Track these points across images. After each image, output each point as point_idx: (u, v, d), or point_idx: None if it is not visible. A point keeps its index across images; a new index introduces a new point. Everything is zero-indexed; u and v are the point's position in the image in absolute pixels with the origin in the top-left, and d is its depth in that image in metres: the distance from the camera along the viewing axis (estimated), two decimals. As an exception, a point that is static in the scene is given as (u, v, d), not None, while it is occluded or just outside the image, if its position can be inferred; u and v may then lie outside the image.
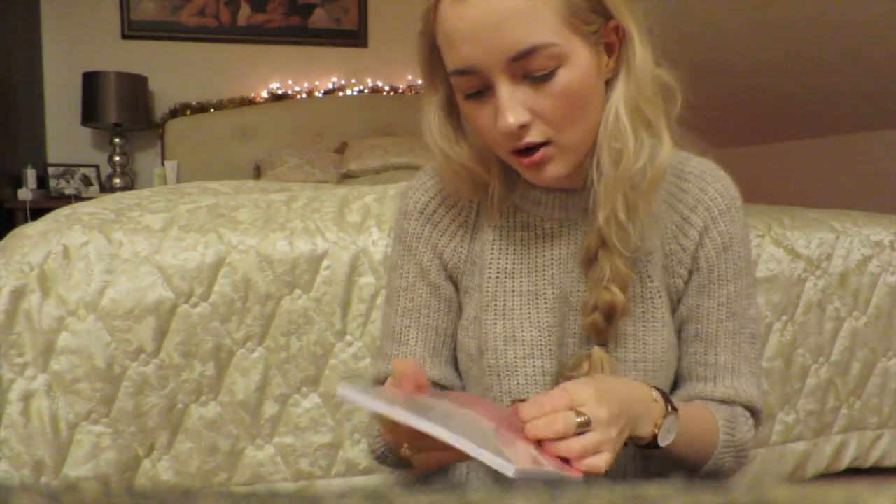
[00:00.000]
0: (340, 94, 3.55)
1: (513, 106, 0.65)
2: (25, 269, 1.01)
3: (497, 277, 0.78)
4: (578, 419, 0.56)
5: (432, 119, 0.74)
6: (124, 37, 3.39)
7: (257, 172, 3.22)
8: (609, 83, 0.70)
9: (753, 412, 0.78)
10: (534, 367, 0.77)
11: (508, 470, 0.48)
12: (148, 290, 1.04)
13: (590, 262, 0.74)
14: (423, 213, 0.82)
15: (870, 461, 1.49)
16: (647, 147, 0.69)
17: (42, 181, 3.14)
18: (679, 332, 0.80)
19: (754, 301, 0.79)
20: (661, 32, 0.70)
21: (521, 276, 0.78)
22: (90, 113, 3.16)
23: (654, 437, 0.65)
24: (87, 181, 3.23)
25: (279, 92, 3.50)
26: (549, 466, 0.53)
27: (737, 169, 0.81)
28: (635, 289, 0.76)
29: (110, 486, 0.19)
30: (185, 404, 1.07)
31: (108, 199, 1.19)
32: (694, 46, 2.62)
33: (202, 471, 1.08)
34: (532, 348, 0.77)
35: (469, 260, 0.81)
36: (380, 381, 0.82)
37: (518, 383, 0.77)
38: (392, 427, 0.58)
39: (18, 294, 1.01)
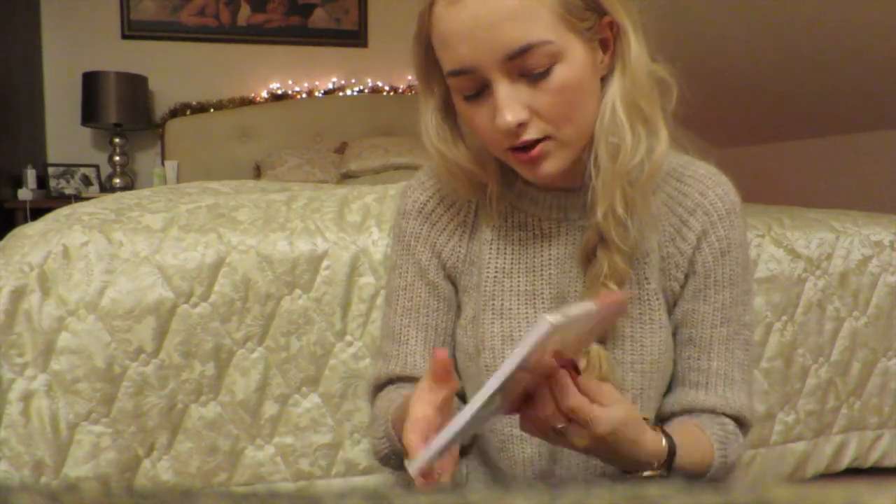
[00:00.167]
0: (340, 94, 3.55)
1: (510, 104, 0.65)
2: (25, 269, 1.01)
3: (495, 277, 0.78)
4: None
5: (429, 121, 0.74)
6: (124, 37, 3.39)
7: (257, 172, 3.22)
8: (605, 79, 0.70)
9: (742, 423, 0.78)
10: None
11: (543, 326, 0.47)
12: (148, 290, 1.04)
13: (588, 258, 0.74)
14: (421, 212, 0.82)
15: (870, 461, 1.49)
16: (645, 142, 0.69)
17: (42, 181, 3.14)
18: (673, 335, 0.79)
19: (750, 308, 0.79)
20: (661, 32, 0.70)
21: (518, 276, 0.78)
22: (90, 113, 3.16)
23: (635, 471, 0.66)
24: (87, 181, 3.23)
25: (279, 92, 3.49)
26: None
27: (737, 169, 0.80)
28: (632, 290, 0.76)
29: (110, 486, 0.19)
30: (185, 404, 1.07)
31: (108, 199, 1.19)
32: (694, 46, 2.61)
33: (202, 471, 1.08)
34: None
35: (467, 259, 0.81)
36: (380, 381, 0.82)
37: None
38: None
39: (18, 294, 1.01)
